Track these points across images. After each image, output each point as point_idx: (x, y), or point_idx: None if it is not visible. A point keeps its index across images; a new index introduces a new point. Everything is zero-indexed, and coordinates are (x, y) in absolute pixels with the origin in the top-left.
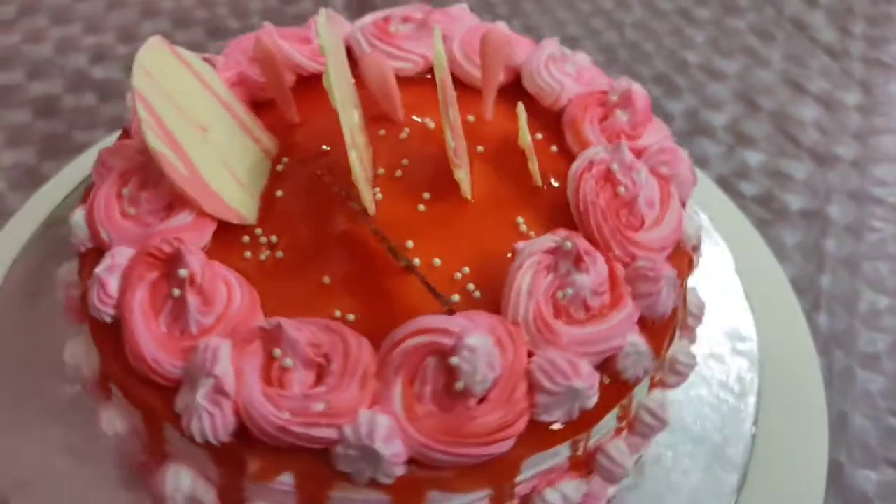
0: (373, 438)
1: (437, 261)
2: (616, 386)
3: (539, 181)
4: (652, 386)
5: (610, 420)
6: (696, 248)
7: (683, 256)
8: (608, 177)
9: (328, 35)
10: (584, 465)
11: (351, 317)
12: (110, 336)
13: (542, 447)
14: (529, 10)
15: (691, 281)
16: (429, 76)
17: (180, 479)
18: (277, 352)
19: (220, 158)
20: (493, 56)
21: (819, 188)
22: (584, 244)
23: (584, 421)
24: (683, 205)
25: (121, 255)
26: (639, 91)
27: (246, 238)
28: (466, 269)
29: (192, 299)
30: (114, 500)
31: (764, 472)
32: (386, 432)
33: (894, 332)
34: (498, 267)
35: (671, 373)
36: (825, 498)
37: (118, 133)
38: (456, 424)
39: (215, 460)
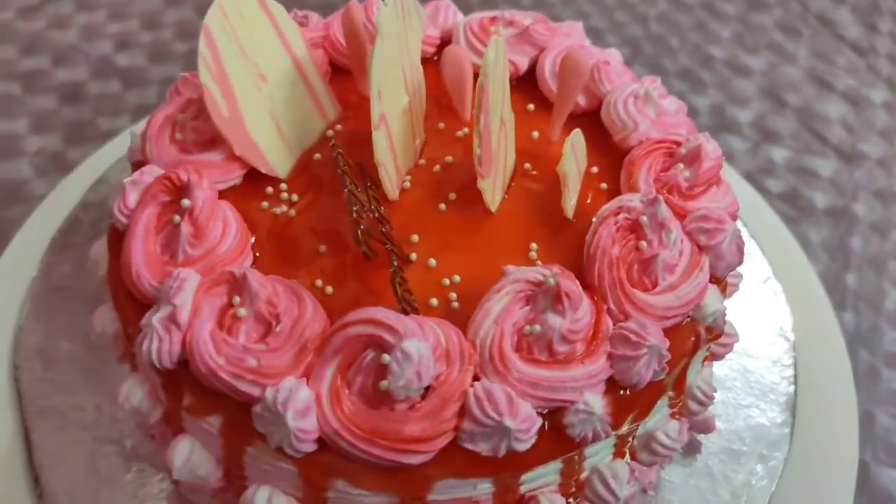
0: (286, 407)
1: (433, 261)
2: (559, 440)
3: (570, 213)
4: (618, 454)
5: (548, 472)
6: (713, 330)
7: (690, 333)
8: (634, 228)
9: (387, 15)
10: None
11: (329, 290)
12: (119, 243)
13: (460, 474)
14: (553, 1)
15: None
16: (514, 83)
17: (133, 391)
18: (237, 299)
19: (268, 109)
20: (569, 79)
21: (845, 186)
22: (571, 287)
23: (512, 463)
24: (719, 282)
25: (150, 173)
26: (711, 151)
27: (270, 189)
28: (457, 278)
29: (186, 229)
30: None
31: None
32: (301, 406)
33: None
34: (488, 284)
35: (644, 450)
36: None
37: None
38: (375, 422)
39: (162, 383)
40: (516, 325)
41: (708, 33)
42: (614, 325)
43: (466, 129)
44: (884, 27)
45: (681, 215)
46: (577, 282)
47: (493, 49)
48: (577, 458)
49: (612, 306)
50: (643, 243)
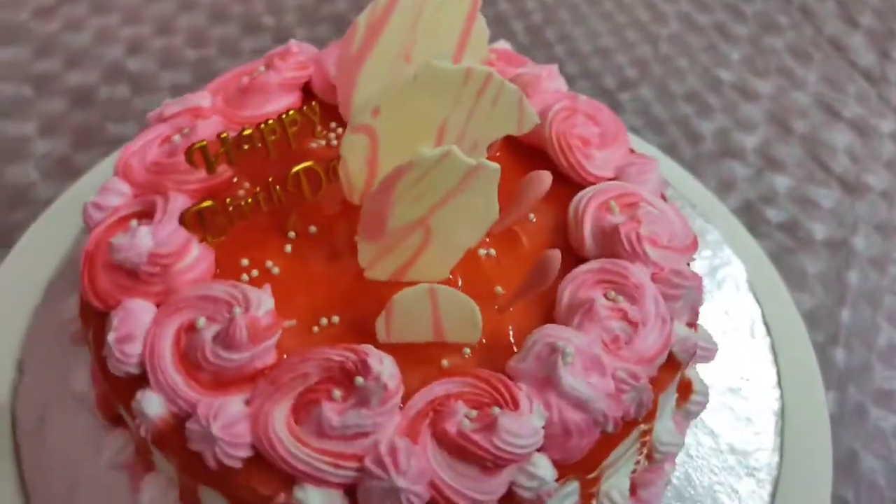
0: None
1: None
2: None
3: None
4: None
5: None
6: None
7: None
8: None
9: (448, 73)
10: None
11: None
12: None
13: None
14: (564, 18)
15: None
16: None
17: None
18: None
19: (384, 83)
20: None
21: (846, 218)
22: None
23: None
24: None
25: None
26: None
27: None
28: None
29: None
30: None
31: None
32: None
33: None
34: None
35: None
36: None
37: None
38: None
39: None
40: None
41: (718, 55)
42: None
43: None
44: None
45: None
46: None
47: (439, 152)
48: None
49: None
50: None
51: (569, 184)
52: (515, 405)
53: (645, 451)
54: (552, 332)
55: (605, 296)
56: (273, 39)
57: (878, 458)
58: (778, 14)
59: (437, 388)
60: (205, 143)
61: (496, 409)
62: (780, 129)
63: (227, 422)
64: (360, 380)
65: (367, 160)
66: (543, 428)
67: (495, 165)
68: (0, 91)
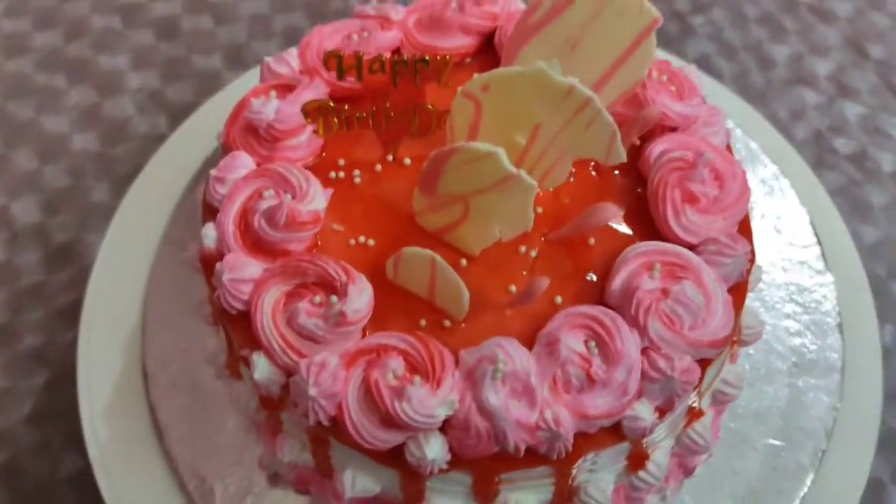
0: None
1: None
2: None
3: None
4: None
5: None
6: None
7: None
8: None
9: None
10: None
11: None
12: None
13: None
14: None
15: None
16: None
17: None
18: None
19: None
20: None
21: None
22: None
23: None
24: None
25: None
26: None
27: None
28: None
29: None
30: None
31: None
32: None
33: None
34: None
35: None
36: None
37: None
38: None
39: None
40: None
41: None
42: None
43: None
44: None
45: None
46: None
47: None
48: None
49: None
50: None
51: (653, 232)
52: (438, 385)
53: (565, 492)
54: (504, 346)
55: (585, 343)
56: None
57: None
58: None
59: (393, 339)
60: (342, 54)
61: (417, 380)
62: (856, 53)
63: (238, 278)
64: (334, 298)
65: (469, 125)
66: (448, 417)
67: (531, 181)
68: (92, 23)
